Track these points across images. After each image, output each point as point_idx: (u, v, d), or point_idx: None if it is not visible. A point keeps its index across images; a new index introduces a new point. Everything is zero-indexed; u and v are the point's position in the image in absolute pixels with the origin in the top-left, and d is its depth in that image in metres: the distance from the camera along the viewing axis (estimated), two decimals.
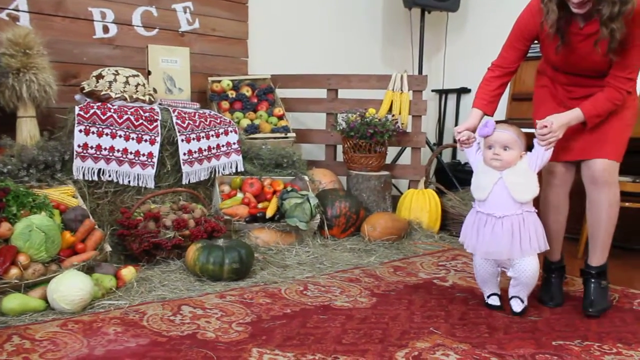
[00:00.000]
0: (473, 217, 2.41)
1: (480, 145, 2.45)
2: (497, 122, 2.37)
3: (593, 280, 2.44)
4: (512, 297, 2.39)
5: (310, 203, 3.28)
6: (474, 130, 2.50)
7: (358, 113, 3.90)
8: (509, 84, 2.62)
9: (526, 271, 2.31)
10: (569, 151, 2.48)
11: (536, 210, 2.35)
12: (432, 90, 5.32)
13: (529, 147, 2.36)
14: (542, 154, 2.31)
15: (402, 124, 4.03)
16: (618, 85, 2.31)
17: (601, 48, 2.23)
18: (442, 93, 5.32)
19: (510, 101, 4.37)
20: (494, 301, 2.44)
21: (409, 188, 4.08)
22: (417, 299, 2.53)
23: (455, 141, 2.55)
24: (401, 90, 4.08)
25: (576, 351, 2.01)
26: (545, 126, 2.28)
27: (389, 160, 4.26)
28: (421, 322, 2.24)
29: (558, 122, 2.30)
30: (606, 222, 2.41)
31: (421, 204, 3.81)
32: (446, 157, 5.16)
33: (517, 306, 2.37)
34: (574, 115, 2.35)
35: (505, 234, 2.28)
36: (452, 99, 5.32)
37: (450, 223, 3.87)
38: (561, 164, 2.52)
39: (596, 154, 2.39)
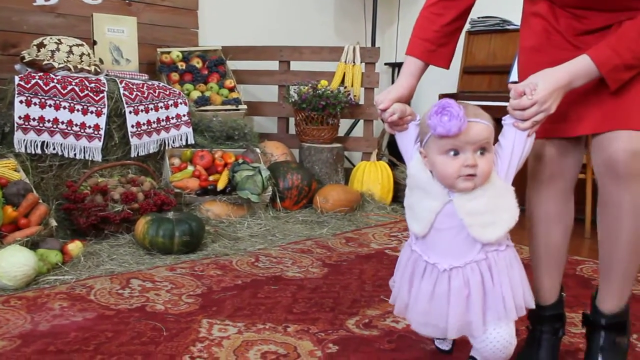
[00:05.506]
0: (407, 256, 1.45)
1: (420, 131, 1.41)
2: (444, 95, 1.44)
3: (603, 335, 1.52)
4: (471, 357, 1.48)
5: (262, 175, 3.26)
6: (408, 101, 1.48)
7: (310, 85, 3.87)
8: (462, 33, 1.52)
9: (493, 347, 1.37)
10: (571, 120, 1.46)
11: (512, 245, 1.39)
12: (385, 64, 5.32)
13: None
14: (521, 144, 1.33)
15: (355, 96, 4.03)
16: None
17: None
18: (395, 66, 5.32)
19: (461, 75, 4.36)
20: (444, 344, 1.67)
21: (361, 160, 4.09)
22: (368, 268, 2.55)
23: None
24: (353, 62, 4.07)
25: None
26: (524, 93, 1.31)
27: (341, 132, 4.26)
28: (372, 290, 2.27)
29: (547, 84, 1.30)
30: (629, 238, 1.42)
31: (373, 176, 3.84)
32: None
33: None
34: (579, 68, 1.33)
35: (455, 298, 1.33)
36: None
37: (402, 195, 3.83)
38: (557, 142, 1.50)
39: (616, 123, 1.37)
